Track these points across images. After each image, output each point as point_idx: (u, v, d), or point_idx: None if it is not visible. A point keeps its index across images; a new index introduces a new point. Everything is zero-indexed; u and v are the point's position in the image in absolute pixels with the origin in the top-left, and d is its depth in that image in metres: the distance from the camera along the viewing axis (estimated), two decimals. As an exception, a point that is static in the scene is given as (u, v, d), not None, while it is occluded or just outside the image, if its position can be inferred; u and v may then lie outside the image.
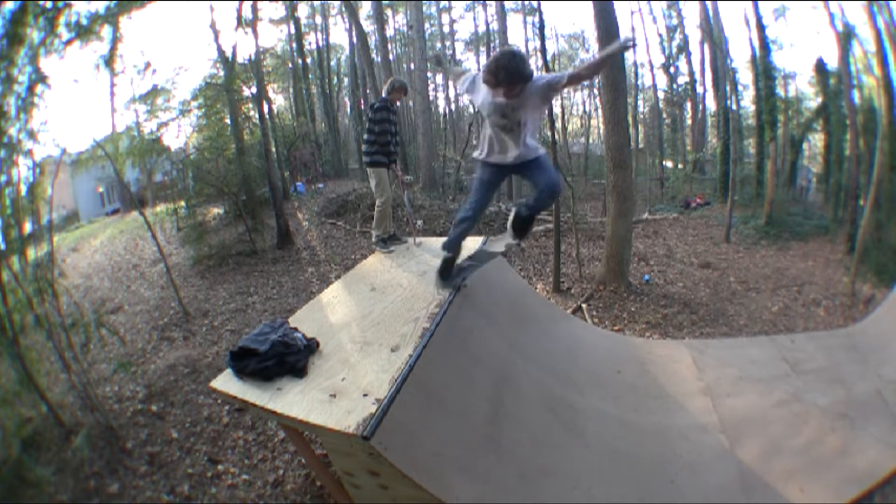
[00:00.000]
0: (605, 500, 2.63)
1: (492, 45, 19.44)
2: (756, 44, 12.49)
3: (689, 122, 18.07)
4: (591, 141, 22.44)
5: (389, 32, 21.52)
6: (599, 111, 20.70)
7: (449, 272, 3.37)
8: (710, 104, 16.46)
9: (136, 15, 8.90)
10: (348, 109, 24.20)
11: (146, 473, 3.58)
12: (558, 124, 19.03)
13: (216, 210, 10.68)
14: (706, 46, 15.49)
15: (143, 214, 7.12)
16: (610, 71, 6.41)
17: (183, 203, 9.96)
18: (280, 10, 18.15)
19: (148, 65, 10.03)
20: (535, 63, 22.87)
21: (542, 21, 12.17)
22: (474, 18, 24.89)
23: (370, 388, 2.32)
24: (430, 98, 21.32)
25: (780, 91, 12.63)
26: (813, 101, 12.49)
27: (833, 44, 10.45)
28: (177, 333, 5.96)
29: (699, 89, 16.91)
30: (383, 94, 4.37)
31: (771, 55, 12.42)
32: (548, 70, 7.05)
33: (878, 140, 8.06)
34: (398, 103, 4.51)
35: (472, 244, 4.32)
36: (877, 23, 8.44)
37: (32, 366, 3.90)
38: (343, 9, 17.97)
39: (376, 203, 4.50)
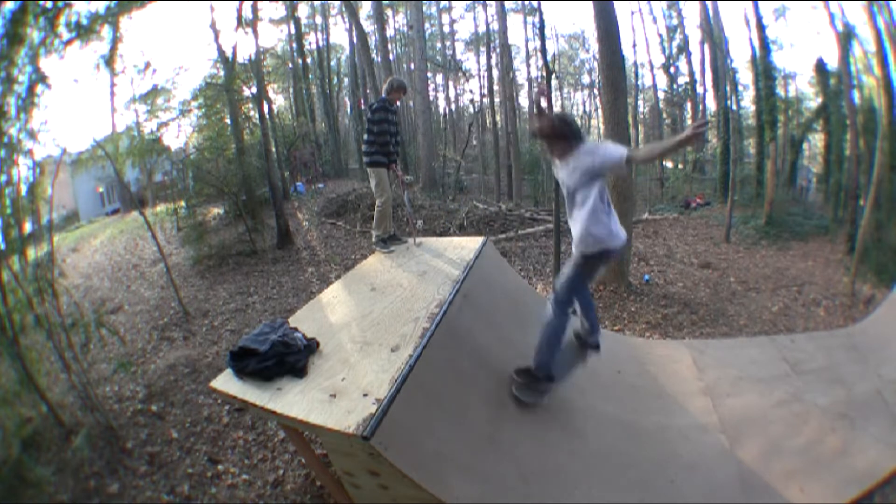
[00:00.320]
0: (605, 500, 2.63)
1: (492, 44, 19.43)
2: (756, 44, 12.50)
3: (689, 122, 18.07)
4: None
5: (389, 32, 21.55)
6: (599, 111, 20.76)
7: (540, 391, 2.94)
8: (711, 104, 16.49)
9: (136, 15, 8.93)
10: (348, 109, 24.23)
11: (146, 473, 3.58)
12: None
13: (216, 210, 10.69)
14: (706, 46, 15.52)
15: (143, 214, 7.12)
16: (610, 71, 6.41)
17: (183, 203, 9.96)
18: (280, 10, 18.21)
19: (148, 65, 10.04)
20: (534, 63, 22.94)
21: (542, 21, 12.16)
22: (474, 18, 24.97)
23: (370, 388, 2.32)
24: (430, 98, 21.34)
25: (780, 91, 12.64)
26: (813, 101, 12.51)
27: (833, 44, 10.46)
28: (177, 333, 5.96)
29: (699, 89, 16.94)
30: (383, 94, 4.37)
31: (771, 55, 12.43)
32: (548, 70, 7.05)
33: (878, 140, 8.06)
34: (398, 103, 4.51)
35: (472, 244, 4.33)
36: (877, 23, 8.44)
37: (32, 366, 3.90)
38: (343, 9, 17.97)
39: (376, 203, 4.50)
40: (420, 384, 2.45)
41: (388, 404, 2.19)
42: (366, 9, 18.90)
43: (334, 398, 2.30)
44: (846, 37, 9.95)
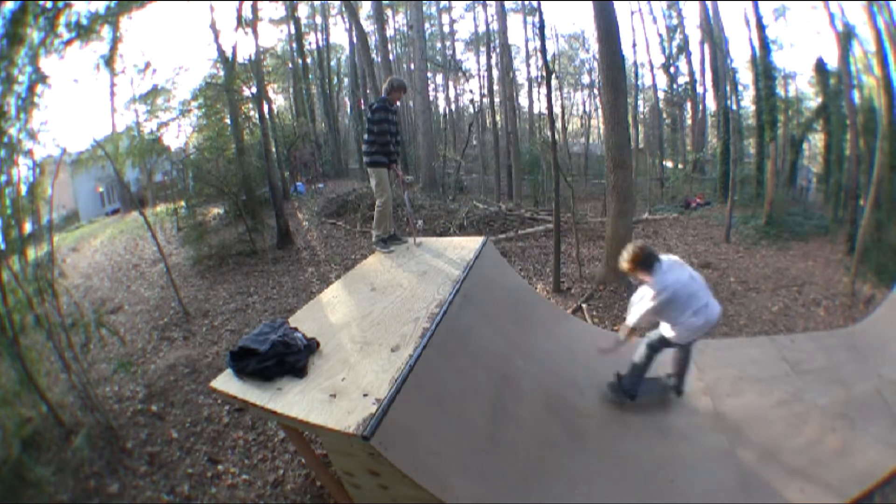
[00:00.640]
0: (605, 500, 2.63)
1: (492, 44, 19.43)
2: (756, 44, 12.48)
3: (689, 122, 18.07)
4: (591, 141, 22.46)
5: (389, 32, 21.55)
6: (599, 111, 20.74)
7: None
8: (710, 104, 16.49)
9: (136, 15, 8.94)
10: (348, 109, 24.23)
11: (146, 473, 3.58)
12: (558, 124, 19.06)
13: (216, 210, 10.69)
14: (706, 46, 15.50)
15: (143, 214, 7.11)
16: (610, 71, 6.41)
17: (183, 203, 9.97)
18: (280, 10, 18.22)
19: (148, 65, 10.06)
20: (534, 63, 22.94)
21: (542, 21, 12.15)
22: (474, 18, 24.96)
23: (370, 388, 2.32)
24: (430, 98, 21.34)
25: (780, 91, 12.63)
26: (813, 101, 12.50)
27: (833, 44, 10.44)
28: (177, 333, 5.96)
29: (699, 89, 16.93)
30: (383, 94, 4.36)
31: (771, 55, 12.41)
32: (548, 70, 7.07)
33: (878, 140, 8.05)
34: (398, 103, 4.51)
35: (472, 244, 4.33)
36: (877, 23, 8.43)
37: (32, 366, 3.90)
38: (343, 9, 17.97)
39: (376, 203, 4.50)
40: (420, 384, 2.45)
41: (388, 404, 2.19)
42: (366, 9, 18.91)
43: (334, 398, 2.30)
44: (846, 37, 9.94)
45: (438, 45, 24.80)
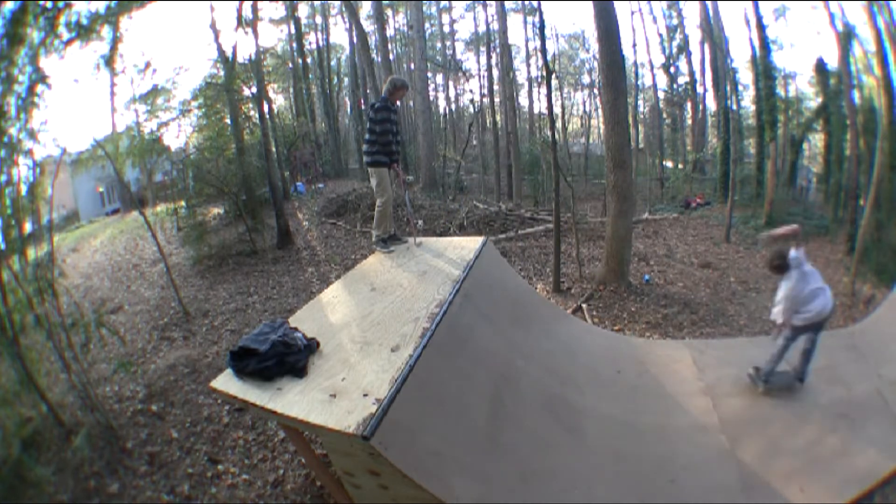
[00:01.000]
0: (605, 500, 2.63)
1: (492, 44, 19.42)
2: (756, 44, 12.49)
3: (689, 122, 18.07)
4: (591, 141, 22.45)
5: (389, 32, 21.54)
6: (599, 111, 20.73)
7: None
8: (711, 104, 16.50)
9: (136, 15, 8.93)
10: (348, 109, 24.23)
11: (146, 473, 3.58)
12: (558, 124, 19.05)
13: (216, 210, 10.68)
14: (706, 46, 15.51)
15: (143, 214, 7.12)
16: (610, 71, 6.41)
17: (183, 203, 9.97)
18: (280, 10, 18.21)
19: (148, 65, 10.05)
20: (534, 63, 22.96)
21: (542, 21, 12.16)
22: (474, 18, 24.95)
23: (370, 388, 2.32)
24: (431, 98, 21.34)
25: (780, 91, 12.64)
26: (813, 101, 12.50)
27: (833, 44, 10.46)
28: (177, 333, 5.96)
29: (699, 89, 16.93)
30: (383, 94, 4.36)
31: (771, 55, 12.42)
32: (548, 70, 7.08)
33: (878, 140, 8.06)
34: (398, 103, 4.50)
35: (472, 244, 4.34)
36: (877, 23, 8.44)
37: (32, 366, 3.90)
38: (343, 9, 17.98)
39: (377, 203, 4.49)
40: (420, 384, 2.45)
41: (388, 404, 2.19)
42: (366, 9, 18.91)
43: (334, 398, 2.30)
44: (846, 37, 9.95)
45: (438, 45, 24.80)
